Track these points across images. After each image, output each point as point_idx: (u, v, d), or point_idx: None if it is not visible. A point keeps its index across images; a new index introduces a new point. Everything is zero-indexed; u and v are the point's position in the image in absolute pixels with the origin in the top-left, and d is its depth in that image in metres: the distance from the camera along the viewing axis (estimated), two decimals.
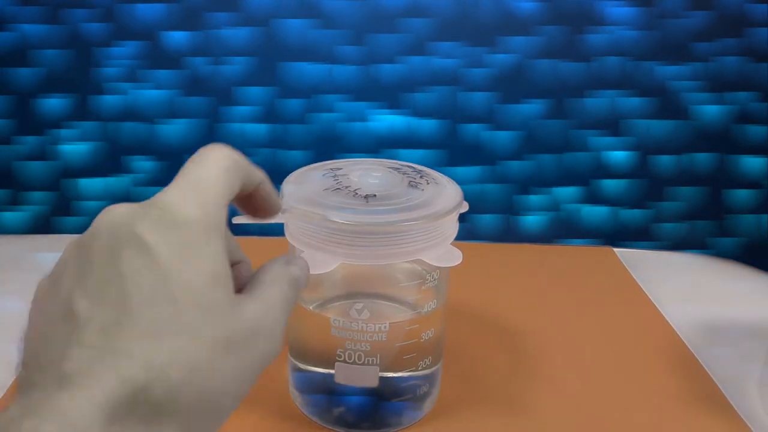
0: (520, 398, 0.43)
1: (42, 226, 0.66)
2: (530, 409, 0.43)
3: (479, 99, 0.64)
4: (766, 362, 0.48)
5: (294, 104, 0.64)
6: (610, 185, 0.67)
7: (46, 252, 0.60)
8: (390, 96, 0.64)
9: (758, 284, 0.60)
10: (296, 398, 0.41)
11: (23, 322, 0.24)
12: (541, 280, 0.58)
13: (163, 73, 0.63)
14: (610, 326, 0.52)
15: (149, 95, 0.64)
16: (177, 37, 0.62)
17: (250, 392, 0.24)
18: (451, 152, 0.65)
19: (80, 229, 0.24)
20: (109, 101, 0.64)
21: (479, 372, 0.46)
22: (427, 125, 0.65)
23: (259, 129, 0.65)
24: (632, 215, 0.67)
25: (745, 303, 0.57)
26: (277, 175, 0.38)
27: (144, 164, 0.65)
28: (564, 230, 0.67)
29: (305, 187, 0.37)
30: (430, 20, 0.62)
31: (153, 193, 0.25)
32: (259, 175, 0.28)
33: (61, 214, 0.66)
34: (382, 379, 0.38)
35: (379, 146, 0.65)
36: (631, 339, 0.50)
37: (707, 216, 0.67)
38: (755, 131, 0.65)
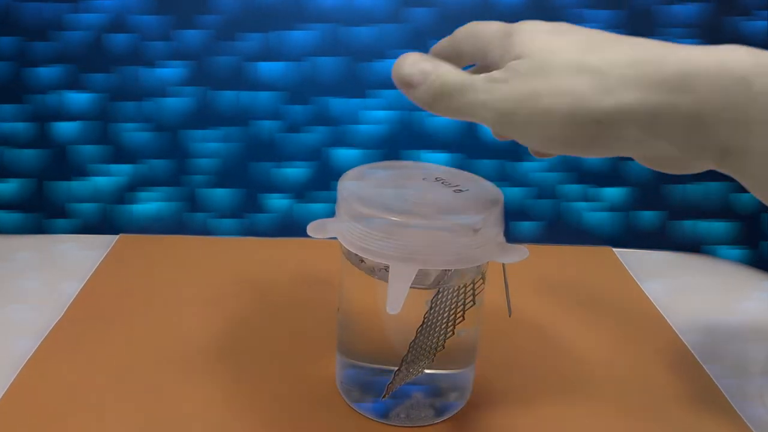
0: (518, 396, 0.44)
1: None
2: (528, 407, 0.43)
3: None
4: (766, 363, 0.49)
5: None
6: (613, 187, 0.67)
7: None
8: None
9: (758, 285, 0.61)
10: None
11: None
12: (540, 279, 0.59)
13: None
14: (610, 326, 0.52)
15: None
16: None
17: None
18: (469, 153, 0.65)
19: None
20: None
21: (478, 370, 0.46)
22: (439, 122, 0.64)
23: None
24: (634, 216, 0.67)
25: (745, 303, 0.57)
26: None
27: None
28: (564, 231, 0.68)
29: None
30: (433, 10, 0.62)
31: None
32: None
33: None
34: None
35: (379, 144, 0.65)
36: (631, 339, 0.51)
37: (708, 216, 0.68)
38: None
